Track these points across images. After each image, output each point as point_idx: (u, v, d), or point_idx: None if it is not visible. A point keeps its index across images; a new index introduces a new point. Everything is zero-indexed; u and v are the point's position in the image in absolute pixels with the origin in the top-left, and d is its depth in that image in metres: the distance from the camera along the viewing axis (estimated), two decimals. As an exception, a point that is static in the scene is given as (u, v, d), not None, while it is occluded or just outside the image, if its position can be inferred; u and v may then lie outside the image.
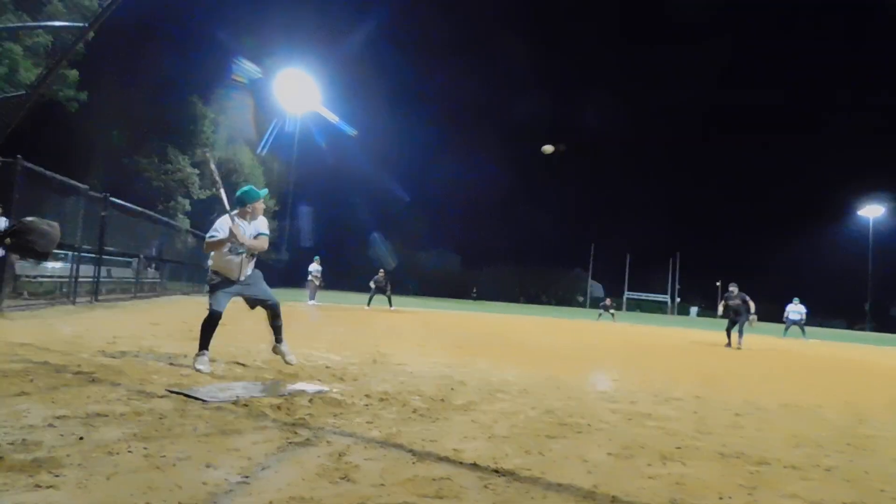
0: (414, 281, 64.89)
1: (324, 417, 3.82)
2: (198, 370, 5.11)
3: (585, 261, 77.65)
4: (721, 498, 2.78)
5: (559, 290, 79.21)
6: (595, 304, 60.98)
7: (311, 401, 4.28)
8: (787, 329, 22.72)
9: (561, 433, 3.89)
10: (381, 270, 22.88)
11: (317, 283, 22.24)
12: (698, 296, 75.39)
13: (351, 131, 44.91)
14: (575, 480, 2.89)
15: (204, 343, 5.33)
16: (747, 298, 14.44)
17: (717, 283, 64.88)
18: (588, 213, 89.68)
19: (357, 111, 59.32)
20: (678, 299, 74.30)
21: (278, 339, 5.76)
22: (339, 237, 60.42)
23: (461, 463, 3.05)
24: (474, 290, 57.52)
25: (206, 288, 5.99)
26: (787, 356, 13.05)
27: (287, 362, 5.75)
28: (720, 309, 14.95)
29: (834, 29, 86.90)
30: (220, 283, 5.42)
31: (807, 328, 22.64)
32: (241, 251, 5.38)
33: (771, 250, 76.94)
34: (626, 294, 73.07)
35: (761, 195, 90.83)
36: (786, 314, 22.68)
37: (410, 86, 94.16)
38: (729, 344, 14.42)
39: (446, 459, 3.10)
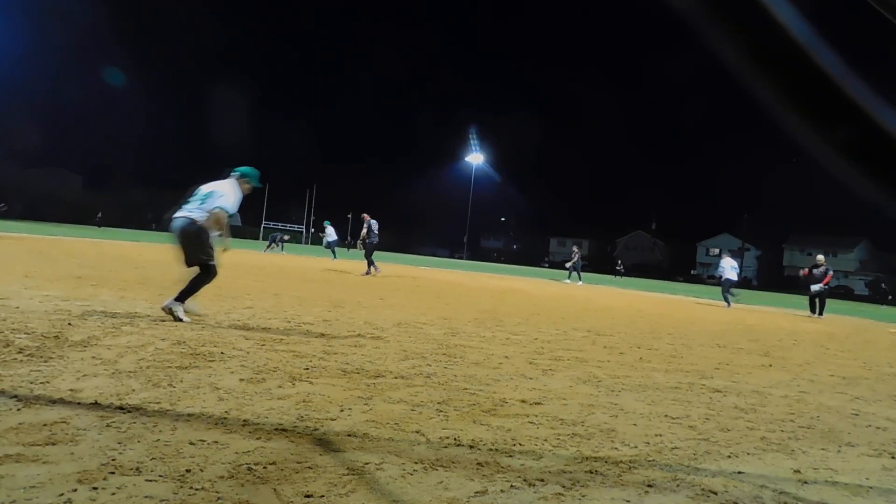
0: (18, 203, 53.45)
1: None
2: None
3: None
4: (342, 409, 3.15)
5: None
6: (244, 233, 59.85)
7: None
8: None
9: (193, 363, 3.82)
10: None
11: None
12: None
13: None
14: (207, 409, 2.91)
15: None
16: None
17: (349, 216, 70.04)
18: (225, 143, 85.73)
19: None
20: (313, 230, 77.61)
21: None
22: None
23: (79, 403, 2.78)
24: (99, 215, 50.42)
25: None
26: (401, 281, 14.97)
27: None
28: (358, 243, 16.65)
29: None
30: None
31: (419, 256, 26.54)
32: None
33: (395, 187, 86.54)
34: (264, 224, 73.22)
35: (390, 141, 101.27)
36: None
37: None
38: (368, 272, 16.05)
39: (61, 401, 2.78)
